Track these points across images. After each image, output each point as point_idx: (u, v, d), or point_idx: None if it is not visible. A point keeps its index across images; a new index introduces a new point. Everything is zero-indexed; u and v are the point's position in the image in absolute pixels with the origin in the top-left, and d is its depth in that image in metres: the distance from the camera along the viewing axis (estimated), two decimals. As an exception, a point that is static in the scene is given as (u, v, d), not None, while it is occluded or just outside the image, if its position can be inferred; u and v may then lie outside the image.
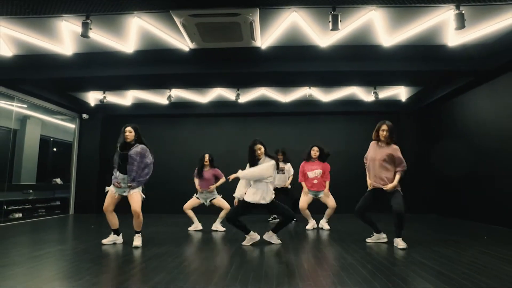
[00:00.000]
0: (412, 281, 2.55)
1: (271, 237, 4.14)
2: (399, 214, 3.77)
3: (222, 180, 5.37)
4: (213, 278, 2.65)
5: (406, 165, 3.97)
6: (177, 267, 2.99)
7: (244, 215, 4.12)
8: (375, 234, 4.20)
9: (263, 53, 5.10)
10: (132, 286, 2.50)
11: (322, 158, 5.48)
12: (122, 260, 3.36)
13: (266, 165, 3.95)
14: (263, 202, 3.98)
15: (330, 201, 5.39)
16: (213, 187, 5.32)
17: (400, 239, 3.82)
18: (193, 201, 5.42)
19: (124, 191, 4.02)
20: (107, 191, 4.10)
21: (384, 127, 3.98)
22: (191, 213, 5.41)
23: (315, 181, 5.37)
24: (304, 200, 5.41)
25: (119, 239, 4.22)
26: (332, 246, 4.05)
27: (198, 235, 4.93)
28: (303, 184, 5.46)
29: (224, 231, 5.26)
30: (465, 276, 2.64)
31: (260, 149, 4.05)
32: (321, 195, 5.41)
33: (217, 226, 5.35)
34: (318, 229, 5.43)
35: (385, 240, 4.14)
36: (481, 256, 3.36)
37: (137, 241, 3.99)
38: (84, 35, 3.91)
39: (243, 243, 4.07)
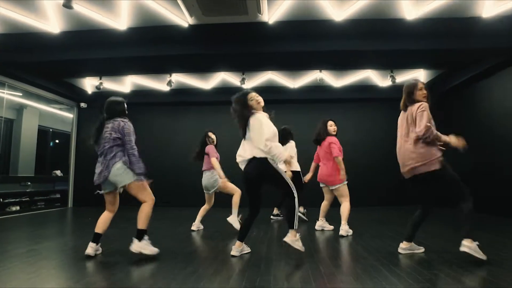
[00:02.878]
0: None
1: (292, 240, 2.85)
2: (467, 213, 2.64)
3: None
4: (231, 264, 2.22)
5: (425, 129, 2.70)
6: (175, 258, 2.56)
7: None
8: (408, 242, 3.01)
9: (270, 29, 4.57)
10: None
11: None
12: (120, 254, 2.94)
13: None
14: None
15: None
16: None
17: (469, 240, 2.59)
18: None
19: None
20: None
21: (421, 84, 2.88)
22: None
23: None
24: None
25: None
26: (349, 242, 3.57)
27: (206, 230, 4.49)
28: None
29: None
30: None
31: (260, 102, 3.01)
32: None
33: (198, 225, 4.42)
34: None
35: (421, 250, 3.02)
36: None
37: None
38: (67, 5, 3.44)
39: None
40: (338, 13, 4.29)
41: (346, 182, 4.06)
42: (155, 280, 2.36)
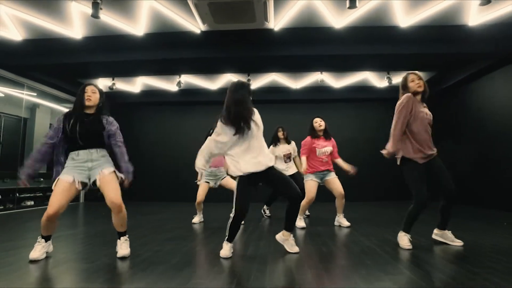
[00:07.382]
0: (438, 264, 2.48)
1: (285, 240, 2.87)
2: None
3: None
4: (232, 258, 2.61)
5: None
6: (191, 251, 2.95)
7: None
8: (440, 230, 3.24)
9: (275, 35, 4.96)
10: (147, 268, 2.46)
11: (327, 133, 4.38)
12: (136, 244, 3.32)
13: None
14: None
15: (338, 187, 4.20)
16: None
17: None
18: (203, 188, 4.62)
19: (89, 177, 2.69)
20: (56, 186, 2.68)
21: (415, 76, 2.99)
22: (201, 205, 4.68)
23: (325, 160, 4.26)
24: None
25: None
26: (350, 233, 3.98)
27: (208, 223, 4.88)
28: (304, 160, 4.25)
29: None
30: (490, 258, 2.56)
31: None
32: (328, 177, 4.24)
33: None
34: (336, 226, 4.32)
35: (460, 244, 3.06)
36: (503, 240, 3.27)
37: (125, 247, 2.75)
38: (95, 15, 3.83)
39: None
40: (337, 21, 4.68)
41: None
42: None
